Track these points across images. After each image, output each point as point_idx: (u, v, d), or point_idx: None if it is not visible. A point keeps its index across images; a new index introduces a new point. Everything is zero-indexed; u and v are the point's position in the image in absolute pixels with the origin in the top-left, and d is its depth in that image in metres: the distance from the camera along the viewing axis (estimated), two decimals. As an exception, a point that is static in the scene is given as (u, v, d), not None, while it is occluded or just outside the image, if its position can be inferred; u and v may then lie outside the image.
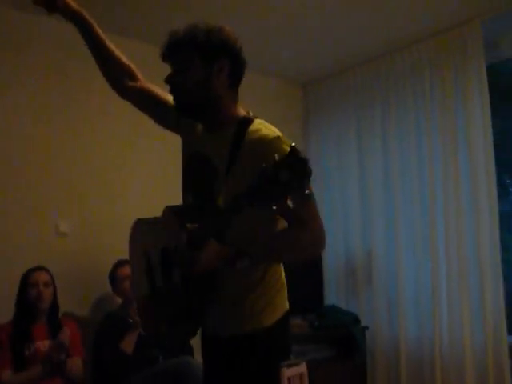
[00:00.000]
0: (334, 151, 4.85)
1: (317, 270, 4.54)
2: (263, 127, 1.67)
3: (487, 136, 3.81)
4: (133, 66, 1.98)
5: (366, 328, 4.37)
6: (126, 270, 3.37)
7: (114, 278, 3.52)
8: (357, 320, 4.35)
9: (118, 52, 1.96)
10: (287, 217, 1.64)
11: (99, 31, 1.93)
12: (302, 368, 3.87)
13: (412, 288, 4.16)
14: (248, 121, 1.70)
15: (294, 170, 1.28)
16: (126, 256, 3.47)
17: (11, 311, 3.14)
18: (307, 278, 4.48)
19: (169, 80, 1.73)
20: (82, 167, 3.81)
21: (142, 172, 4.07)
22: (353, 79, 4.70)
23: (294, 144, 1.33)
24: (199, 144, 1.78)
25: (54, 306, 3.24)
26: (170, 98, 1.82)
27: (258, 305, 1.72)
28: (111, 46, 1.95)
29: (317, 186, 4.87)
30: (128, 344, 3.23)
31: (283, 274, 1.80)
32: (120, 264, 3.49)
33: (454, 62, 4.02)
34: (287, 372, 3.81)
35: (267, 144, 1.59)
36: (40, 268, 3.24)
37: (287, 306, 1.80)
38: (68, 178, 3.75)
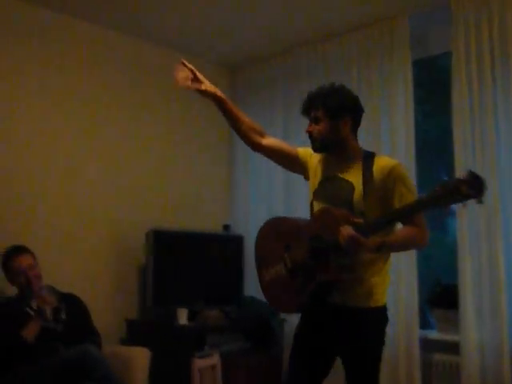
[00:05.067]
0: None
1: (237, 261, 4.46)
2: (384, 158, 2.43)
3: (410, 132, 3.83)
4: (258, 126, 2.62)
5: (285, 320, 4.31)
6: (24, 261, 3.23)
7: (8, 268, 3.29)
8: (275, 312, 4.30)
9: (246, 117, 2.59)
10: (408, 221, 2.27)
11: (232, 105, 2.56)
12: (214, 359, 3.83)
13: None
14: (371, 154, 2.42)
15: (473, 185, 1.91)
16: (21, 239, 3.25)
17: None
18: (227, 269, 4.40)
19: (307, 131, 2.45)
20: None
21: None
22: (282, 65, 4.65)
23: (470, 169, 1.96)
24: (334, 170, 2.43)
25: None
26: (291, 148, 2.62)
27: (376, 289, 2.34)
28: (240, 113, 2.58)
29: (241, 174, 4.84)
30: (30, 332, 3.11)
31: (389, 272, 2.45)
32: (14, 253, 3.28)
33: (381, 56, 4.04)
34: (198, 363, 3.75)
35: (392, 168, 2.32)
36: None
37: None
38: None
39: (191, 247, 4.24)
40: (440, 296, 3.77)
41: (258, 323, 4.26)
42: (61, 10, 3.93)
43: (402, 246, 2.41)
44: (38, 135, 3.82)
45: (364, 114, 4.19)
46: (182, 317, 3.91)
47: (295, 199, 4.43)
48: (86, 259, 3.97)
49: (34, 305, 3.16)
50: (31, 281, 3.23)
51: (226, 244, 4.53)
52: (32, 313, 3.16)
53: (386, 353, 3.67)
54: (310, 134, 2.45)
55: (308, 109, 2.46)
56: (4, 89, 3.71)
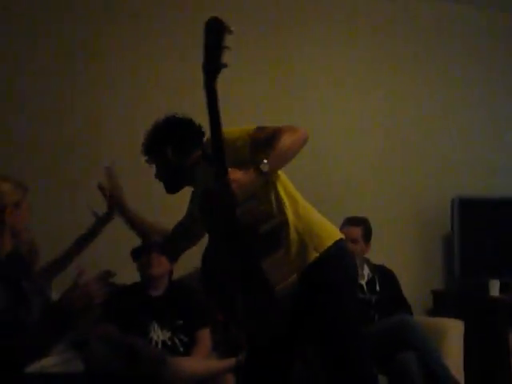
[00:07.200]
0: None
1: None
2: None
3: None
4: (160, 226, 2.42)
5: None
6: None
7: None
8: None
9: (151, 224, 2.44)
10: (266, 142, 1.89)
11: (140, 221, 2.43)
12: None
13: None
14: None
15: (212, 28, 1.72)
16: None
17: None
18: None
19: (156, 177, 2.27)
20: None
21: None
22: None
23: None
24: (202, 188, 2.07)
25: None
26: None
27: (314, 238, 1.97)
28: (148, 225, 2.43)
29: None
30: None
31: (311, 217, 2.04)
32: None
33: None
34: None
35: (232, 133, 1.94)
36: None
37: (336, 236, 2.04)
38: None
39: (499, 215, 3.98)
40: None
41: None
42: None
43: (284, 153, 1.90)
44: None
45: None
46: (494, 289, 3.71)
47: None
48: (390, 229, 3.98)
49: None
50: None
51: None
52: None
53: None
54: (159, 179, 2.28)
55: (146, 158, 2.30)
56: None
